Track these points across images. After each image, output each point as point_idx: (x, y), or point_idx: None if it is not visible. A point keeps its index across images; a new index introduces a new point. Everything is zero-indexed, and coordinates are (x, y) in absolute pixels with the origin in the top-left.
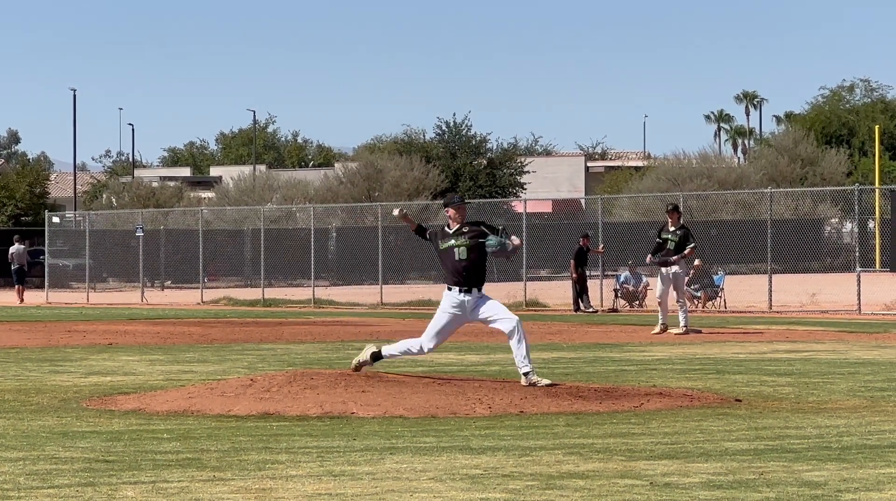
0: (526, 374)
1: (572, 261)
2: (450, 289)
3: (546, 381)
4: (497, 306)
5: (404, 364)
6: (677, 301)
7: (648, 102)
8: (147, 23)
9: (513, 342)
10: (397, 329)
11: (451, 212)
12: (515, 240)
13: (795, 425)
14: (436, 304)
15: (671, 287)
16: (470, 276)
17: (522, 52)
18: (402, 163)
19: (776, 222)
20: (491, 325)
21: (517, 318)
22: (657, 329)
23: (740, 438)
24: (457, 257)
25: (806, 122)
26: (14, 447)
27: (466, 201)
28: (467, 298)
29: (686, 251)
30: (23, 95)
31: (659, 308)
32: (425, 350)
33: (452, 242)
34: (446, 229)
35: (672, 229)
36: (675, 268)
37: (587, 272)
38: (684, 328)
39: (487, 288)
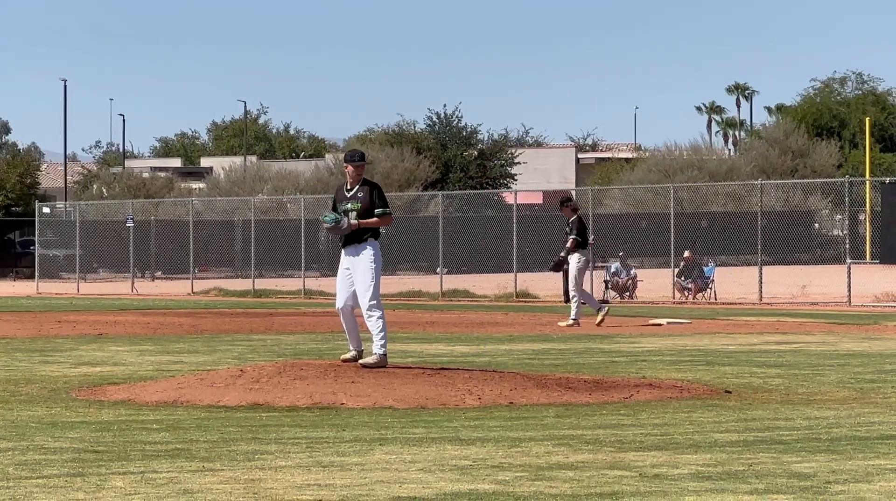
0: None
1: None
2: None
3: (372, 360)
4: (364, 282)
5: (394, 355)
6: (573, 292)
7: (639, 94)
8: (138, 14)
9: (367, 322)
10: (387, 320)
11: (350, 169)
12: (353, 223)
13: (785, 416)
14: (426, 295)
15: (577, 278)
16: (352, 236)
17: (514, 44)
18: (393, 154)
19: (766, 214)
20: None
21: (371, 303)
22: (568, 322)
23: (730, 429)
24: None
25: (797, 114)
26: (3, 437)
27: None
28: (345, 248)
29: (568, 244)
30: (13, 86)
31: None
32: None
33: (348, 206)
34: (345, 190)
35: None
36: (573, 260)
37: None
38: (573, 321)
39: (477, 279)
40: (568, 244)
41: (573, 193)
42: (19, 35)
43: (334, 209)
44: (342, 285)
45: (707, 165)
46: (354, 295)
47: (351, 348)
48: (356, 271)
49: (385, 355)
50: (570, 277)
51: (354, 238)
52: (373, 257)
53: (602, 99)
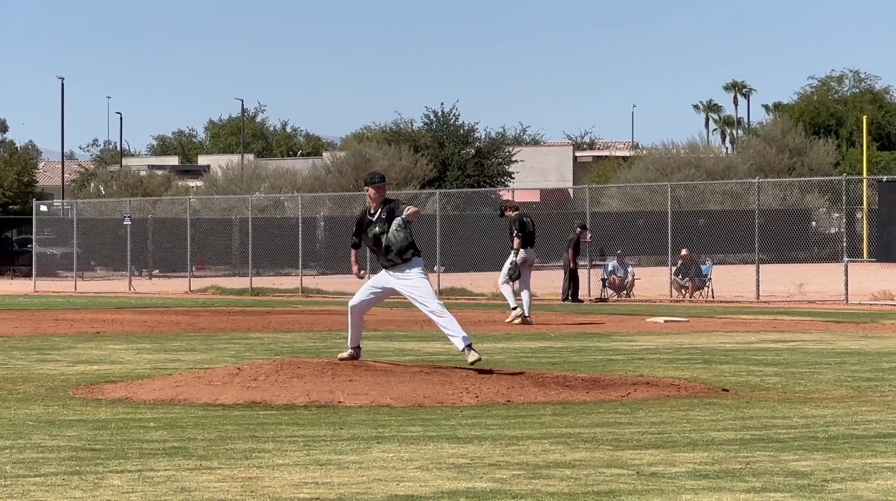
0: (462, 350)
1: (570, 250)
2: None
3: (475, 356)
4: (422, 289)
5: (391, 353)
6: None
7: (637, 92)
8: (135, 11)
9: (439, 323)
10: (384, 318)
11: (372, 193)
12: (409, 210)
13: (782, 414)
14: None
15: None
16: (393, 254)
17: (511, 43)
18: (390, 152)
19: (764, 213)
20: (413, 301)
21: (437, 305)
22: (514, 318)
23: (727, 428)
24: (384, 244)
25: (794, 112)
26: (1, 435)
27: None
28: (390, 270)
29: (515, 245)
30: (11, 84)
31: (509, 294)
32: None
33: (377, 229)
34: (368, 214)
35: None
36: (521, 256)
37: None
38: (515, 313)
39: (475, 277)
40: (515, 245)
41: (570, 191)
42: (16, 33)
43: (357, 233)
44: (366, 291)
45: (704, 164)
46: (372, 302)
47: (349, 346)
48: (410, 286)
49: (472, 345)
50: (503, 269)
51: (400, 258)
52: (422, 269)
53: (599, 97)
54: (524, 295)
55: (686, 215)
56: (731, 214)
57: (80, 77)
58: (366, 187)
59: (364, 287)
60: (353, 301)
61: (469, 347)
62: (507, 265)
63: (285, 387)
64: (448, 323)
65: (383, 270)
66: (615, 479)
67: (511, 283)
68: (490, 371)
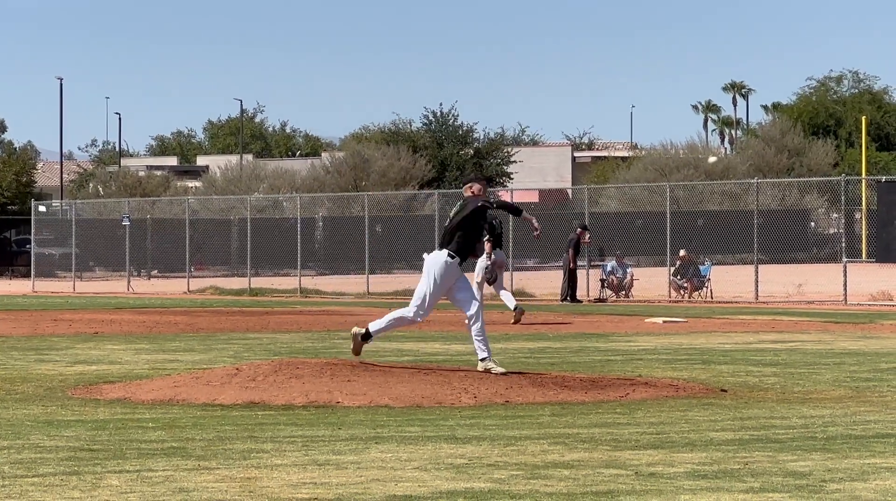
0: (483, 359)
1: (571, 251)
2: (452, 258)
3: (501, 369)
4: (469, 287)
5: (390, 354)
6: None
7: (636, 93)
8: (134, 12)
9: (474, 327)
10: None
11: (477, 188)
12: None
13: (781, 415)
14: None
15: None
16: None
17: (510, 43)
18: (389, 152)
19: (763, 213)
20: (458, 303)
21: (480, 302)
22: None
23: (725, 428)
24: (496, 231)
25: (793, 112)
26: None
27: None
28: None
29: (487, 250)
30: (9, 84)
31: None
32: (419, 319)
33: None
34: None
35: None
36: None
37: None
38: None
39: (472, 277)
40: (487, 249)
41: (569, 191)
42: (15, 33)
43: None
44: (438, 294)
45: (703, 164)
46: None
47: (371, 330)
48: (462, 278)
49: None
50: (476, 269)
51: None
52: None
53: (598, 97)
54: (503, 295)
55: (685, 216)
56: (729, 214)
57: (78, 77)
58: (469, 184)
59: (434, 293)
60: (427, 314)
61: (490, 359)
62: (479, 266)
63: (284, 387)
64: (483, 327)
65: (451, 263)
66: (613, 479)
67: (489, 286)
68: (488, 371)
